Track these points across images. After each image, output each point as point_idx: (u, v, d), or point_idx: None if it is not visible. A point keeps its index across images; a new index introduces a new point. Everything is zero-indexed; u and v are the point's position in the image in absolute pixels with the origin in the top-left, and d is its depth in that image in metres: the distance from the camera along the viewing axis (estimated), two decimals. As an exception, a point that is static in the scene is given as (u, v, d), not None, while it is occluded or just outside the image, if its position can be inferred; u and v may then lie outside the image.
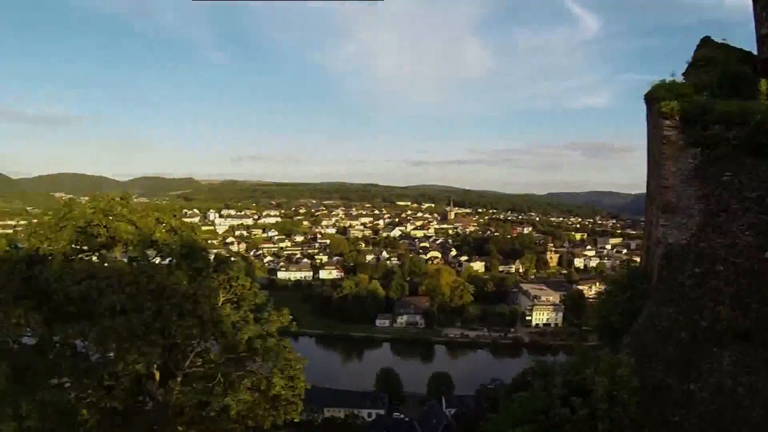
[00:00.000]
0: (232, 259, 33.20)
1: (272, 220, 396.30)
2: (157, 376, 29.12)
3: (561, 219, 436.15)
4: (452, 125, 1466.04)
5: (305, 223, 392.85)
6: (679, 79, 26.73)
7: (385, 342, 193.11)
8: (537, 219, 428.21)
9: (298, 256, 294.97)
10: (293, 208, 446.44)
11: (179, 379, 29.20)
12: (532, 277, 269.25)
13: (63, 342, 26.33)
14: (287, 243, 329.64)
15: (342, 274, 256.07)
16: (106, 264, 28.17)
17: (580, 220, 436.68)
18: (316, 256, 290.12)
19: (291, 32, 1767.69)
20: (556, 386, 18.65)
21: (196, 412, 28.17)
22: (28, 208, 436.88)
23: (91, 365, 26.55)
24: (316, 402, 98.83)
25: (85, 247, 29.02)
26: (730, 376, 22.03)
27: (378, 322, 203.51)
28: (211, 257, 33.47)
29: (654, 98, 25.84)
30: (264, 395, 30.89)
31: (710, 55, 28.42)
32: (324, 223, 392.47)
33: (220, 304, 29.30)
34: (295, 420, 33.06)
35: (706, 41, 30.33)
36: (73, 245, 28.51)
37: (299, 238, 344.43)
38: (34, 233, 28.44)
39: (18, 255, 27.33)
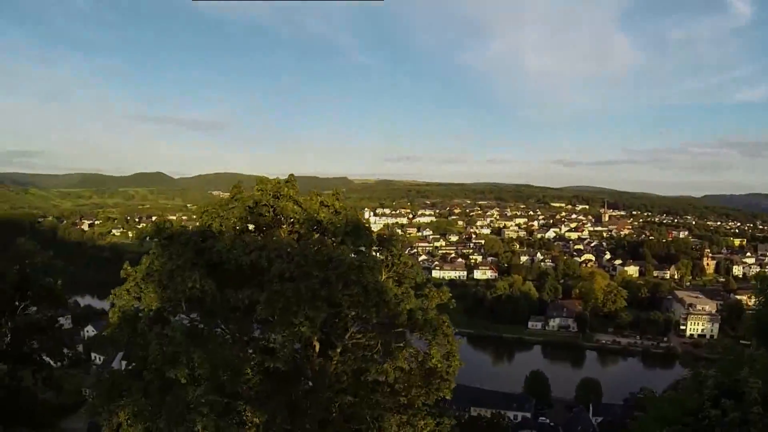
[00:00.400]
0: (394, 238, 33.31)
1: (427, 220, 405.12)
2: (317, 347, 29.57)
3: (719, 223, 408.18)
4: (604, 124, 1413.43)
5: (460, 223, 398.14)
6: None
7: (536, 345, 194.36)
8: (693, 223, 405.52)
9: (453, 255, 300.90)
10: (447, 208, 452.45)
11: (339, 349, 29.56)
12: (688, 284, 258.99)
13: (234, 305, 26.74)
14: (442, 242, 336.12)
15: (496, 274, 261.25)
16: (274, 238, 29.21)
17: (738, 224, 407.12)
18: (470, 256, 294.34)
19: (435, 33, 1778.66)
20: (707, 387, 17.30)
21: (352, 380, 28.54)
22: (188, 205, 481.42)
23: (260, 326, 28.62)
24: (462, 401, 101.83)
25: (253, 226, 30.32)
26: None
27: (530, 324, 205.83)
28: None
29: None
30: (421, 367, 30.46)
31: None
32: (478, 223, 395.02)
33: (383, 279, 29.08)
34: (447, 397, 31.44)
35: None
36: (242, 223, 29.91)
37: (454, 238, 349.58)
38: (206, 212, 29.95)
39: (190, 231, 29.30)
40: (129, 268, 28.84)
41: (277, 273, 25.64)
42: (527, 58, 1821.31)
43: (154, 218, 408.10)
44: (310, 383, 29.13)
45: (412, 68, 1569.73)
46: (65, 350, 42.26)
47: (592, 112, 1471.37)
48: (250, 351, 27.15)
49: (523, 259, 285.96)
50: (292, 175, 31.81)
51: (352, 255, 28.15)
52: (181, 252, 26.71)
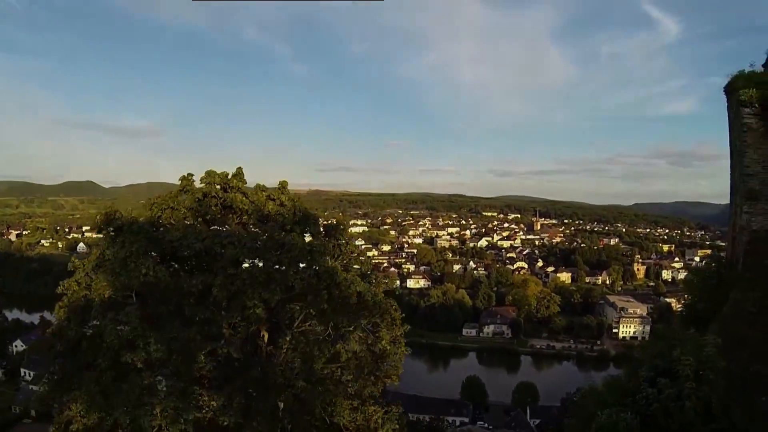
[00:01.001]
0: (341, 227, 34.28)
1: (359, 230, 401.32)
2: (266, 336, 31.35)
3: (648, 230, 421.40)
4: (536, 135, 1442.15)
5: (392, 232, 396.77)
6: (759, 69, 26.37)
7: (471, 351, 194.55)
8: (624, 230, 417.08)
9: (385, 265, 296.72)
10: (380, 218, 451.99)
11: (288, 337, 30.86)
12: (619, 288, 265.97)
13: (188, 290, 27.99)
14: (374, 252, 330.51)
15: (429, 283, 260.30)
16: (225, 227, 30.93)
17: (667, 231, 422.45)
18: (403, 266, 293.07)
19: (369, 44, 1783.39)
20: (643, 369, 18.36)
21: (302, 367, 29.55)
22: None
23: (213, 312, 28.60)
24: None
25: (201, 219, 31.34)
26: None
27: (464, 331, 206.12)
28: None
29: (733, 89, 25.97)
30: (370, 350, 32.30)
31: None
32: (411, 232, 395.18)
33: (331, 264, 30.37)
34: (395, 383, 33.50)
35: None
36: (192, 214, 31.18)
37: (386, 248, 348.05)
38: (155, 204, 30.80)
39: (141, 221, 29.62)
40: (76, 261, 30.09)
41: (230, 258, 27.09)
42: (462, 69, 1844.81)
43: (84, 228, 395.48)
44: (261, 371, 29.46)
45: (347, 78, 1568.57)
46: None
47: (524, 123, 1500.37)
48: (202, 338, 27.07)
49: (456, 267, 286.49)
50: (240, 168, 33.07)
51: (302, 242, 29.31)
52: (133, 240, 27.08)
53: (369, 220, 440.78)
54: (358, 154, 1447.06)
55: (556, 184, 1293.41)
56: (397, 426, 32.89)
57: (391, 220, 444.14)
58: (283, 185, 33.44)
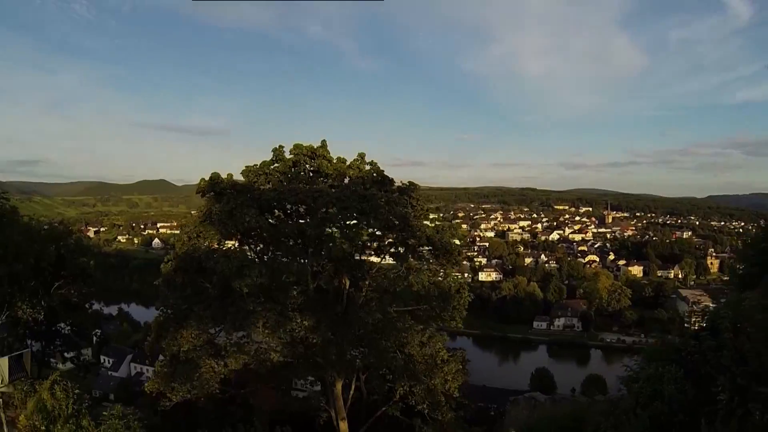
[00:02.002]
0: (413, 188, 38.08)
1: (430, 223, 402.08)
2: (347, 283, 35.92)
3: (722, 223, 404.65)
4: (607, 127, 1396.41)
5: (464, 226, 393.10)
6: None
7: (541, 344, 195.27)
8: (697, 223, 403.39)
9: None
10: (451, 212, 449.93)
11: (368, 281, 36.48)
12: (692, 283, 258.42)
13: (284, 233, 33.77)
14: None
15: (501, 276, 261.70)
16: (315, 187, 34.57)
17: (742, 224, 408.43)
18: (475, 259, 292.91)
19: (436, 39, 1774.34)
20: (689, 327, 19.94)
21: (379, 304, 34.38)
22: (192, 212, 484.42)
23: (305, 250, 34.42)
24: (469, 398, 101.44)
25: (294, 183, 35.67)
26: None
27: (535, 324, 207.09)
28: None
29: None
30: (438, 286, 37.11)
31: None
32: (483, 226, 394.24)
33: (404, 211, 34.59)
34: (459, 326, 38.26)
35: None
36: (286, 178, 36.06)
37: (458, 241, 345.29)
38: (251, 171, 35.61)
39: (241, 183, 35.01)
40: (193, 212, 38.11)
41: (323, 205, 32.02)
42: (528, 61, 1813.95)
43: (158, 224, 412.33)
44: (344, 307, 34.83)
45: (413, 72, 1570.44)
46: (96, 332, 44.50)
47: (594, 115, 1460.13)
48: (296, 272, 34.63)
49: (528, 260, 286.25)
50: (324, 140, 37.19)
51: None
52: (237, 196, 32.17)
53: (441, 214, 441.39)
54: (429, 149, 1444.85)
55: (628, 177, 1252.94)
56: (461, 366, 37.42)
57: (462, 214, 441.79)
58: (361, 156, 37.86)
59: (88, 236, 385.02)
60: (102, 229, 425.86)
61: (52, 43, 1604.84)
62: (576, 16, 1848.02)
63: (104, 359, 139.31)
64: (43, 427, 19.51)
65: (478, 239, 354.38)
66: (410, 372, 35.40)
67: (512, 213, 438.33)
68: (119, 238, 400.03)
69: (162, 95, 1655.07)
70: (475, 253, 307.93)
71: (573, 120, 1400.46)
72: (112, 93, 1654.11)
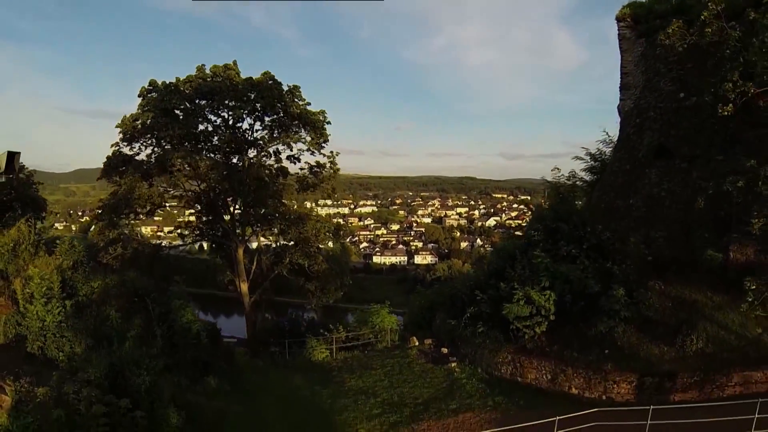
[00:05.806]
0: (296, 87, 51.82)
1: (368, 210, 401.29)
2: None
3: None
4: (546, 118, 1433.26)
5: (401, 212, 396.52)
6: None
7: None
8: None
9: (394, 242, 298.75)
10: (390, 199, 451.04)
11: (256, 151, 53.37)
12: None
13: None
14: (383, 231, 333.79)
15: (436, 259, 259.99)
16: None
17: None
18: (411, 243, 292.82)
19: (378, 29, 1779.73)
20: (546, 220, 32.34)
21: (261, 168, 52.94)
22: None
23: None
24: None
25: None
26: (655, 186, 31.19)
27: None
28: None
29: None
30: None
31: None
32: (420, 212, 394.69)
33: None
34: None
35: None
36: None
37: (395, 227, 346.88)
38: (180, 81, 51.70)
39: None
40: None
41: (225, 97, 49.79)
42: (469, 52, 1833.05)
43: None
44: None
45: (355, 62, 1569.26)
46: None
47: (534, 107, 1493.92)
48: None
49: (463, 245, 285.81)
50: (235, 60, 52.49)
51: None
52: (168, 94, 50.51)
53: (379, 201, 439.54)
54: (368, 138, 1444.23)
55: (566, 167, 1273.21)
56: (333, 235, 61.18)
57: (400, 201, 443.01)
58: (265, 73, 50.40)
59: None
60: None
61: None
62: (517, 9, 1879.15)
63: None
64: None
65: (414, 225, 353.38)
66: (283, 214, 48.51)
67: (450, 200, 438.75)
68: (56, 225, 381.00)
69: (98, 81, 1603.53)
70: (411, 238, 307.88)
71: (513, 110, 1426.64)
72: (45, 77, 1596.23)
